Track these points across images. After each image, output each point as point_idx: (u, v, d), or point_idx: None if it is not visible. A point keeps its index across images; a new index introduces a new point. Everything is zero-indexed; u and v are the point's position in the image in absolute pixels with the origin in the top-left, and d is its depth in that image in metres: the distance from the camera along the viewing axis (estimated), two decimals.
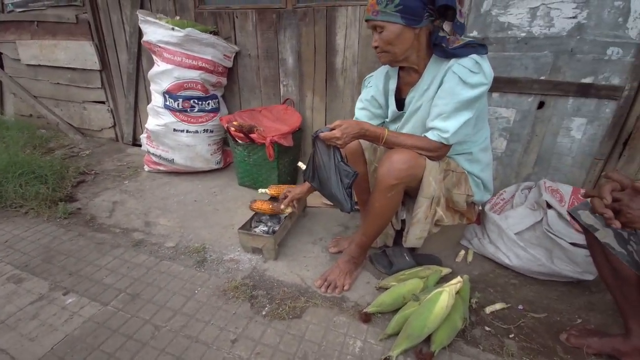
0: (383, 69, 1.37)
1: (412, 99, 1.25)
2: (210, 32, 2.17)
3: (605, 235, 0.99)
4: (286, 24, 2.11)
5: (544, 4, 1.52)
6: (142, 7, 2.42)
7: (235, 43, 2.30)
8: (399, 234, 1.47)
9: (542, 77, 1.63)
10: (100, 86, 2.89)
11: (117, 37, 2.66)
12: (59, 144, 3.02)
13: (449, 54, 1.12)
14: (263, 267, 1.49)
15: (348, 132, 1.17)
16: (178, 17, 2.28)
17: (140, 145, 2.48)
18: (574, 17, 1.49)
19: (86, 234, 1.74)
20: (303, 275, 1.44)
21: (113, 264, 1.51)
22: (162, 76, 2.09)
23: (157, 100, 2.17)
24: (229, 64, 2.29)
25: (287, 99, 2.31)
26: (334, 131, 1.18)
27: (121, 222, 1.85)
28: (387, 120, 1.41)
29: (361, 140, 1.42)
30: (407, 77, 1.29)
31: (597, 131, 1.62)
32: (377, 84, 1.38)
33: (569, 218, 1.33)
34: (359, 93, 1.48)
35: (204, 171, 2.41)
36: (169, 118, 2.16)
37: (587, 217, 1.03)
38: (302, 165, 1.56)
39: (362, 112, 1.45)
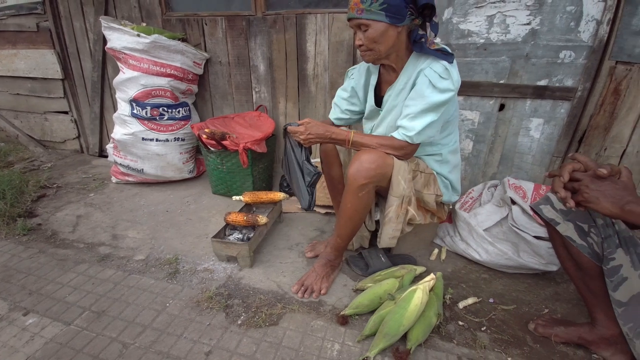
0: (365, 64, 1.39)
1: (389, 97, 1.29)
2: (179, 39, 2.14)
3: (567, 229, 1.03)
4: (256, 31, 2.12)
5: (500, 11, 1.61)
6: (106, 14, 2.35)
7: (205, 50, 2.27)
8: (375, 236, 1.48)
9: (501, 81, 1.72)
10: (62, 96, 2.76)
11: (80, 45, 2.56)
12: (18, 157, 2.84)
13: (424, 50, 1.16)
14: (238, 276, 1.45)
15: (313, 131, 1.21)
16: (144, 24, 2.23)
17: (107, 157, 2.38)
18: (527, 24, 1.59)
19: (47, 250, 1.64)
20: (280, 282, 1.42)
21: (76, 281, 1.43)
22: (128, 83, 2.02)
23: (123, 108, 2.09)
24: (200, 71, 2.26)
25: (260, 106, 2.30)
26: (299, 127, 1.21)
27: (86, 237, 1.75)
28: (364, 117, 1.43)
29: None
30: (386, 75, 1.32)
31: (554, 130, 1.72)
32: (358, 78, 1.40)
33: (531, 213, 1.39)
34: (332, 98, 1.51)
35: (176, 180, 2.34)
36: (137, 127, 2.09)
37: (548, 211, 1.08)
38: None
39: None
